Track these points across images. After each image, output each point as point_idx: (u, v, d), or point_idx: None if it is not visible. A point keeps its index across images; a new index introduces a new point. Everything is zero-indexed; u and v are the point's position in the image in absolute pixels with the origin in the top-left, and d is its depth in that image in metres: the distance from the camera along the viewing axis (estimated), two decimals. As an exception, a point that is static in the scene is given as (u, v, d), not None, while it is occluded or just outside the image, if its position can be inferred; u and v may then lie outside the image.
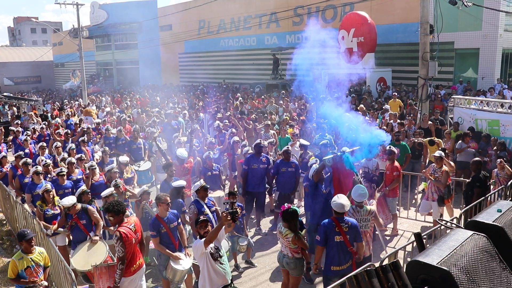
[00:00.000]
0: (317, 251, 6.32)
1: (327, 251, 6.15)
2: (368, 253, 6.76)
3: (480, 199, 7.76)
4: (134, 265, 5.91)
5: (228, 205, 5.50)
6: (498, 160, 9.28)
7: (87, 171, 9.86)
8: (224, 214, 5.24)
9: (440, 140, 12.18)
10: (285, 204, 6.47)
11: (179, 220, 7.10)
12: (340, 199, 6.17)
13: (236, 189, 10.52)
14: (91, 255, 6.89)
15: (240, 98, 22.86)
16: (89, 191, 8.27)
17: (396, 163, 9.56)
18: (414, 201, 10.90)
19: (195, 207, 7.45)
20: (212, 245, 5.46)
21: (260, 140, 10.56)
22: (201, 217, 5.83)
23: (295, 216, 6.19)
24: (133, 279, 5.93)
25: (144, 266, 6.24)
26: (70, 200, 7.52)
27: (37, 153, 12.21)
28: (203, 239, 5.37)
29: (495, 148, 10.90)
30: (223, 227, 5.49)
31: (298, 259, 6.32)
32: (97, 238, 7.20)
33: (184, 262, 6.73)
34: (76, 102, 27.87)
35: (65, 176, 9.29)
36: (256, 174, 9.64)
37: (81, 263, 6.70)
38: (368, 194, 7.01)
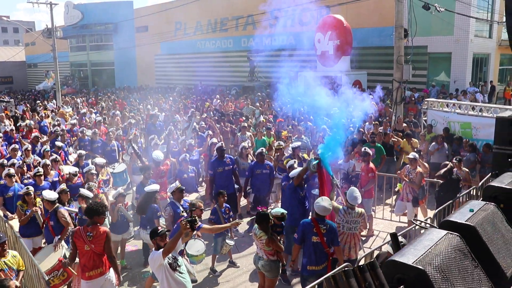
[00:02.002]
0: (294, 249, 6.40)
1: (304, 251, 6.22)
2: (354, 256, 6.78)
3: (451, 200, 7.94)
4: (91, 272, 5.87)
5: (186, 213, 5.36)
6: (455, 159, 9.44)
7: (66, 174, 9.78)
8: (183, 223, 5.12)
9: (416, 140, 12.35)
10: (260, 206, 6.52)
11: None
12: (324, 202, 6.24)
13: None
14: (47, 260, 6.77)
15: (218, 101, 22.80)
16: (68, 190, 8.14)
17: (371, 164, 9.69)
18: (390, 201, 11.05)
19: (171, 209, 7.42)
20: (169, 255, 5.34)
21: (222, 143, 10.56)
22: (159, 229, 5.65)
23: (266, 219, 6.24)
24: (91, 286, 5.90)
25: (107, 276, 6.07)
26: (51, 193, 7.52)
27: (8, 155, 11.92)
28: (161, 250, 5.22)
29: (467, 149, 11.13)
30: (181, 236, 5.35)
31: (273, 262, 6.33)
32: (59, 243, 7.05)
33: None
34: (50, 104, 27.29)
35: (43, 177, 9.15)
36: (223, 177, 9.63)
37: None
38: (361, 197, 7.08)
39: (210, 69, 35.96)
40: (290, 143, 11.69)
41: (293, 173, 8.17)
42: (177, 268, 5.42)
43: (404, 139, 12.14)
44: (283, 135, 13.15)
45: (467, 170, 9.20)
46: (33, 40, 49.25)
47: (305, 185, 8.35)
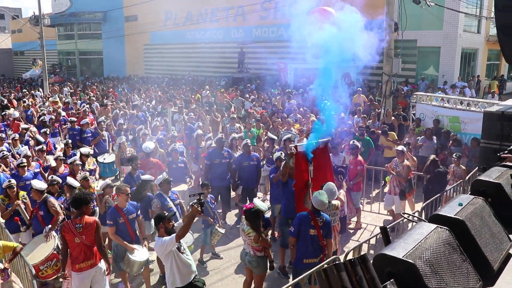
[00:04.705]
0: (290, 242, 6.40)
1: (299, 244, 6.21)
2: (335, 247, 6.85)
3: (439, 194, 8.03)
4: (82, 264, 5.85)
5: (194, 196, 5.49)
6: (454, 155, 9.53)
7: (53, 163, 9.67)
8: (195, 206, 5.25)
9: (393, 133, 12.33)
10: (248, 202, 6.48)
11: (138, 212, 7.07)
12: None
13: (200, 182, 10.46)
14: (39, 250, 6.73)
15: (208, 92, 22.69)
16: (56, 182, 8.04)
17: (360, 157, 9.73)
18: (376, 194, 11.12)
19: (159, 201, 7.39)
20: None
21: (222, 135, 10.55)
22: (166, 213, 5.79)
23: (257, 216, 6.21)
24: (82, 278, 5.89)
25: (99, 268, 6.06)
26: (41, 183, 7.50)
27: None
28: (173, 235, 5.30)
29: (452, 143, 11.22)
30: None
31: (260, 258, 6.33)
32: (50, 233, 7.01)
33: (141, 253, 6.71)
34: (37, 92, 26.95)
35: (26, 168, 9.04)
36: (219, 169, 9.61)
37: (28, 257, 6.51)
38: (337, 192, 7.10)
39: (199, 59, 35.75)
40: (304, 136, 11.52)
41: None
42: (183, 251, 5.54)
43: (381, 136, 12.11)
44: (296, 128, 12.90)
45: (464, 168, 9.26)
46: (19, 27, 48.43)
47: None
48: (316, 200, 6.23)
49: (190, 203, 5.61)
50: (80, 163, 9.50)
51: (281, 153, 9.03)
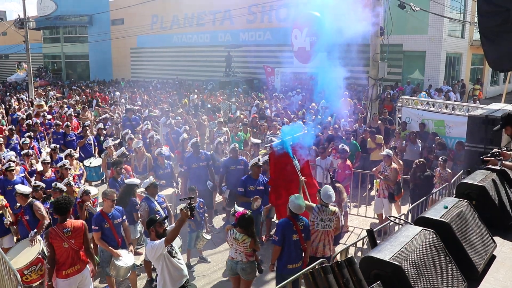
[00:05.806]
0: (275, 251, 6.30)
1: (284, 250, 6.17)
2: (329, 253, 6.79)
3: (425, 197, 8.10)
4: (68, 270, 5.79)
5: (185, 200, 5.48)
6: (440, 159, 9.62)
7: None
8: (184, 210, 5.25)
9: (380, 136, 12.42)
10: (240, 209, 6.42)
11: (124, 217, 7.03)
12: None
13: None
14: (23, 255, 6.65)
15: (195, 95, 22.66)
16: (40, 187, 7.94)
17: (348, 162, 9.77)
18: (363, 197, 11.17)
19: (146, 204, 7.36)
20: None
21: (197, 139, 10.53)
22: (157, 216, 5.79)
23: (252, 221, 6.19)
24: (68, 284, 5.82)
25: (85, 273, 6.01)
26: (25, 187, 7.42)
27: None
28: (163, 239, 5.29)
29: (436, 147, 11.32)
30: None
31: (252, 262, 6.29)
32: (36, 237, 6.93)
33: (126, 258, 6.67)
34: (22, 96, 26.66)
35: (14, 171, 8.94)
36: (197, 173, 9.59)
37: (12, 261, 6.41)
38: (334, 195, 7.03)
39: (186, 63, 35.68)
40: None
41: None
42: (175, 255, 5.51)
43: (369, 139, 12.19)
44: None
45: (450, 171, 9.35)
46: (4, 30, 47.88)
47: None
48: (294, 204, 6.23)
49: (180, 208, 5.60)
50: (70, 167, 9.40)
51: (258, 159, 8.97)
